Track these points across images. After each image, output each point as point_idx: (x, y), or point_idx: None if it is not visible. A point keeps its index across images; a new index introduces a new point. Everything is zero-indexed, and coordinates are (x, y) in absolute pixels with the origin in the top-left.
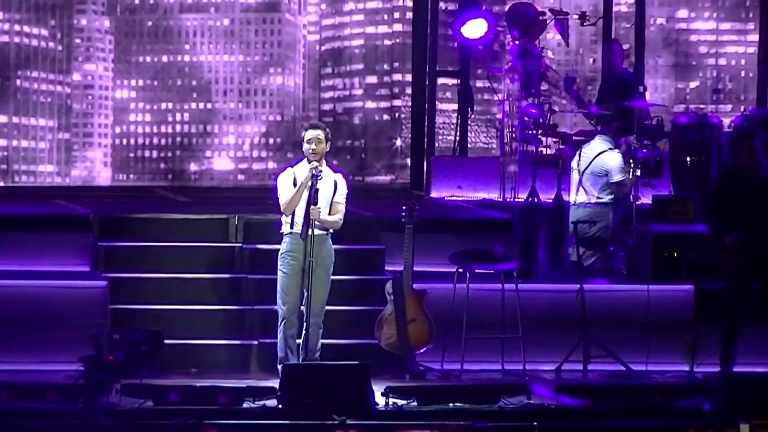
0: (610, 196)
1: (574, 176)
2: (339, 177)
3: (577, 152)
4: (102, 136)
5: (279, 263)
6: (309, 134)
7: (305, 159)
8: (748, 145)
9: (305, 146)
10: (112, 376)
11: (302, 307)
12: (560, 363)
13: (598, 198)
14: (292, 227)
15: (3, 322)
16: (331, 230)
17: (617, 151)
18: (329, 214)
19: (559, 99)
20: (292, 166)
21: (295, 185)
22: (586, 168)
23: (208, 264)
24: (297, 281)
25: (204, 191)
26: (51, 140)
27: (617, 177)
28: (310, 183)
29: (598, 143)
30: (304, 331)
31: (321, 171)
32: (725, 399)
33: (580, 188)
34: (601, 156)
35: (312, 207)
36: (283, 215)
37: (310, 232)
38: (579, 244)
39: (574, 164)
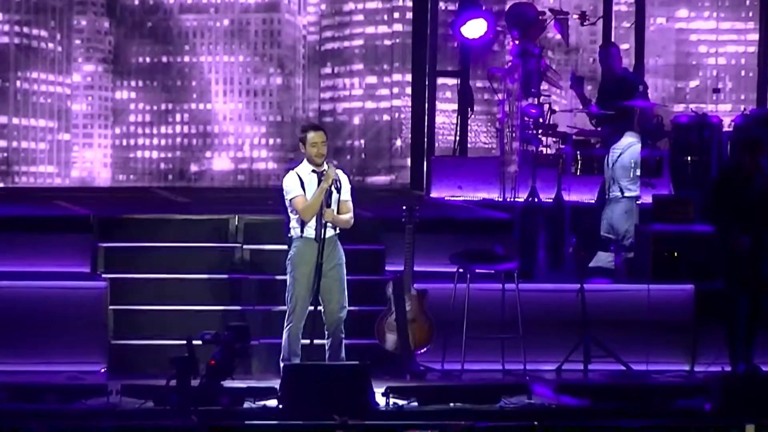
0: (638, 191)
1: (607, 174)
2: (340, 173)
3: (609, 152)
4: (102, 137)
5: (289, 268)
6: (315, 136)
7: (306, 160)
8: (759, 150)
9: (310, 149)
10: (214, 380)
11: (320, 308)
12: (561, 363)
13: (627, 189)
14: (302, 231)
15: (2, 323)
16: (339, 230)
17: None
18: (338, 213)
19: (559, 98)
20: (292, 168)
21: (303, 187)
22: (616, 161)
23: (209, 265)
24: (308, 287)
25: (204, 192)
26: (51, 141)
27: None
28: (326, 186)
29: (628, 138)
30: (327, 340)
31: (337, 176)
32: (727, 399)
33: (613, 184)
34: (632, 147)
35: (326, 209)
36: (291, 219)
37: (323, 235)
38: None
39: (606, 163)
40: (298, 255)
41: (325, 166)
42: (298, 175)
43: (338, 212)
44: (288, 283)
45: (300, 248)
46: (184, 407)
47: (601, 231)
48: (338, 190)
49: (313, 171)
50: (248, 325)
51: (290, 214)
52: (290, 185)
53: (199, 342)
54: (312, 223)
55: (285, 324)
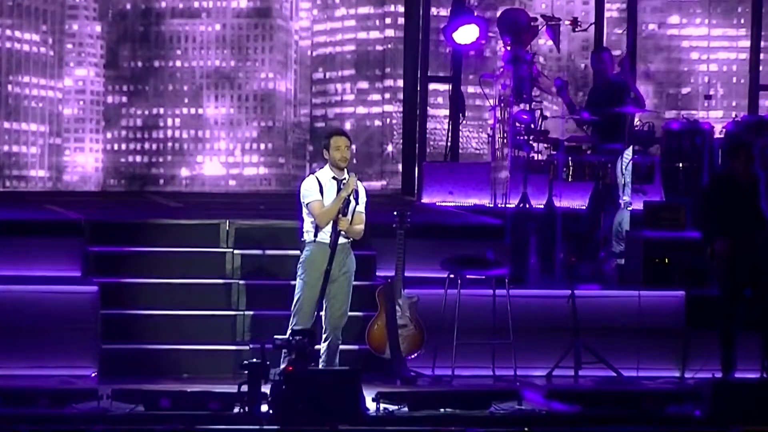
0: None
1: (620, 180)
2: (359, 184)
3: (619, 158)
4: (93, 141)
5: (300, 271)
6: (339, 141)
7: (327, 166)
8: (745, 154)
9: (334, 153)
10: (293, 386)
11: (321, 313)
12: (551, 369)
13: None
14: (316, 236)
15: None
16: (351, 239)
17: None
18: (350, 223)
19: (551, 104)
20: (313, 173)
21: (321, 192)
22: (627, 165)
23: (200, 269)
24: (316, 292)
25: (195, 196)
26: (42, 145)
27: None
28: (345, 195)
29: None
30: (323, 343)
31: (357, 186)
32: (717, 405)
33: (626, 188)
34: None
35: (340, 217)
36: (306, 223)
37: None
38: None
39: (618, 170)
40: (310, 259)
41: (346, 175)
42: (318, 180)
43: (352, 222)
44: (297, 286)
45: (313, 252)
46: (255, 412)
47: (612, 235)
48: (356, 200)
49: (334, 177)
50: (314, 329)
51: (305, 218)
52: (309, 189)
53: (270, 346)
54: (327, 229)
55: (289, 326)
